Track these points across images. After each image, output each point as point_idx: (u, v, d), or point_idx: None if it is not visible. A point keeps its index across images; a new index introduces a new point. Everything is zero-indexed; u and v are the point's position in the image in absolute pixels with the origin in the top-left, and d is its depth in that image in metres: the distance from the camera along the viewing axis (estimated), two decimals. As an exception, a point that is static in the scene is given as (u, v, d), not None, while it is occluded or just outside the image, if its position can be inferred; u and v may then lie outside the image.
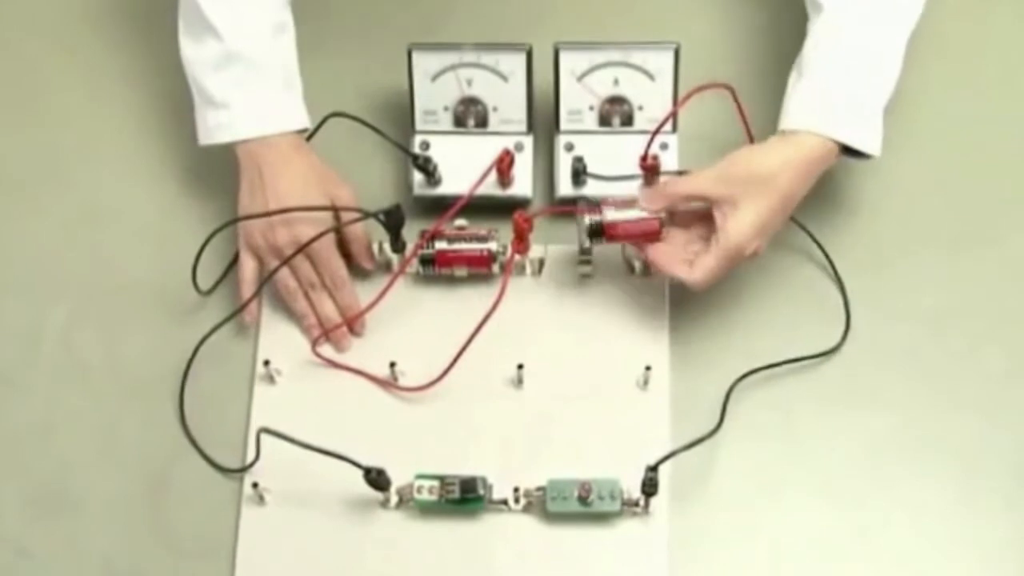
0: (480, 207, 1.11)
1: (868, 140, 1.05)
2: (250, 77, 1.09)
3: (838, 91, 1.04)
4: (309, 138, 1.13)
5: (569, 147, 1.14)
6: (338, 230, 1.10)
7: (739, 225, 1.01)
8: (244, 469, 1.07)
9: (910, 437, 1.07)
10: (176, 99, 1.17)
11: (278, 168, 1.09)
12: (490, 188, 1.13)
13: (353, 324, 1.11)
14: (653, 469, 1.00)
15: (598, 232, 1.06)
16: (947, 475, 1.06)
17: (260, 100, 1.10)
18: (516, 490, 1.04)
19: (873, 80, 1.05)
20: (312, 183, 1.09)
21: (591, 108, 1.14)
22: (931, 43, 1.10)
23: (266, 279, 1.10)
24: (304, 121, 1.12)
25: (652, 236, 1.06)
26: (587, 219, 1.05)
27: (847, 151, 1.05)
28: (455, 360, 1.06)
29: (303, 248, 1.08)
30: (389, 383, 1.10)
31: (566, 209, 1.09)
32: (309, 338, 1.11)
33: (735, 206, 1.01)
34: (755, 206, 1.01)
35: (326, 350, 1.11)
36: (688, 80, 1.10)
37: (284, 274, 1.11)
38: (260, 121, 1.09)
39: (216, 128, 1.10)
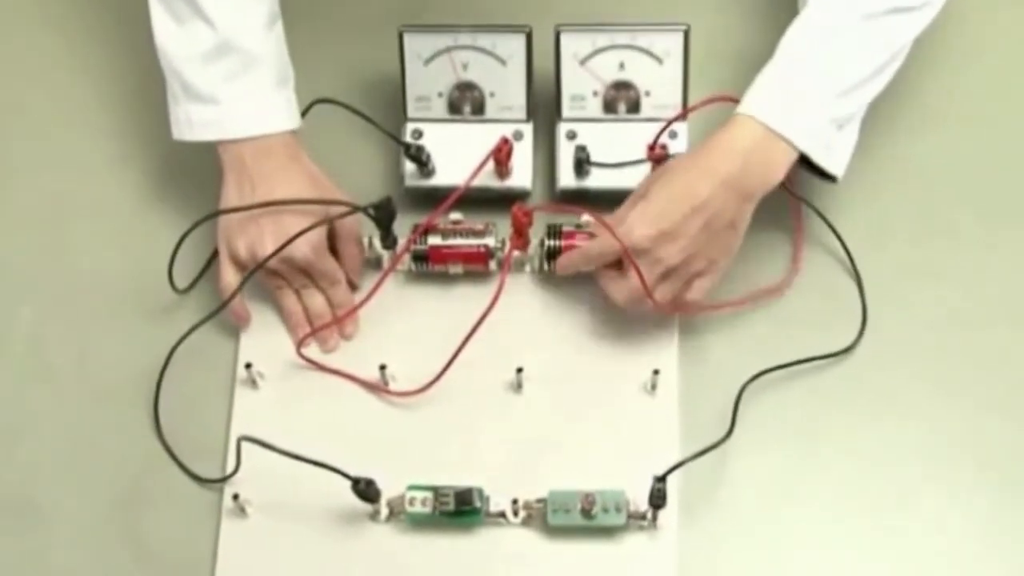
0: (476, 200, 1.11)
1: (825, 153, 1.01)
2: (244, 71, 1.06)
3: (786, 81, 1.00)
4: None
5: (571, 135, 1.13)
6: (330, 232, 1.08)
7: (634, 209, 1.01)
8: (224, 479, 1.05)
9: (932, 442, 1.06)
10: (148, 89, 1.16)
11: (272, 178, 1.06)
12: (487, 179, 1.12)
13: (343, 322, 1.10)
14: (661, 480, 0.99)
15: (554, 255, 1.07)
16: (971, 483, 1.05)
17: (253, 97, 1.07)
18: (515, 502, 1.03)
19: (836, 85, 1.00)
20: (308, 194, 1.07)
21: (595, 94, 1.12)
22: (953, 21, 1.08)
23: (253, 271, 1.07)
24: (298, 120, 1.10)
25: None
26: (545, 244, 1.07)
27: (810, 167, 1.02)
28: (450, 363, 1.05)
29: (291, 241, 1.05)
30: (379, 387, 1.08)
31: (568, 207, 1.08)
32: (295, 338, 1.10)
33: (642, 196, 1.02)
34: (651, 197, 1.00)
35: (312, 352, 1.10)
36: (698, 64, 1.10)
37: (272, 271, 1.08)
38: (252, 120, 1.07)
39: (201, 125, 1.07)
